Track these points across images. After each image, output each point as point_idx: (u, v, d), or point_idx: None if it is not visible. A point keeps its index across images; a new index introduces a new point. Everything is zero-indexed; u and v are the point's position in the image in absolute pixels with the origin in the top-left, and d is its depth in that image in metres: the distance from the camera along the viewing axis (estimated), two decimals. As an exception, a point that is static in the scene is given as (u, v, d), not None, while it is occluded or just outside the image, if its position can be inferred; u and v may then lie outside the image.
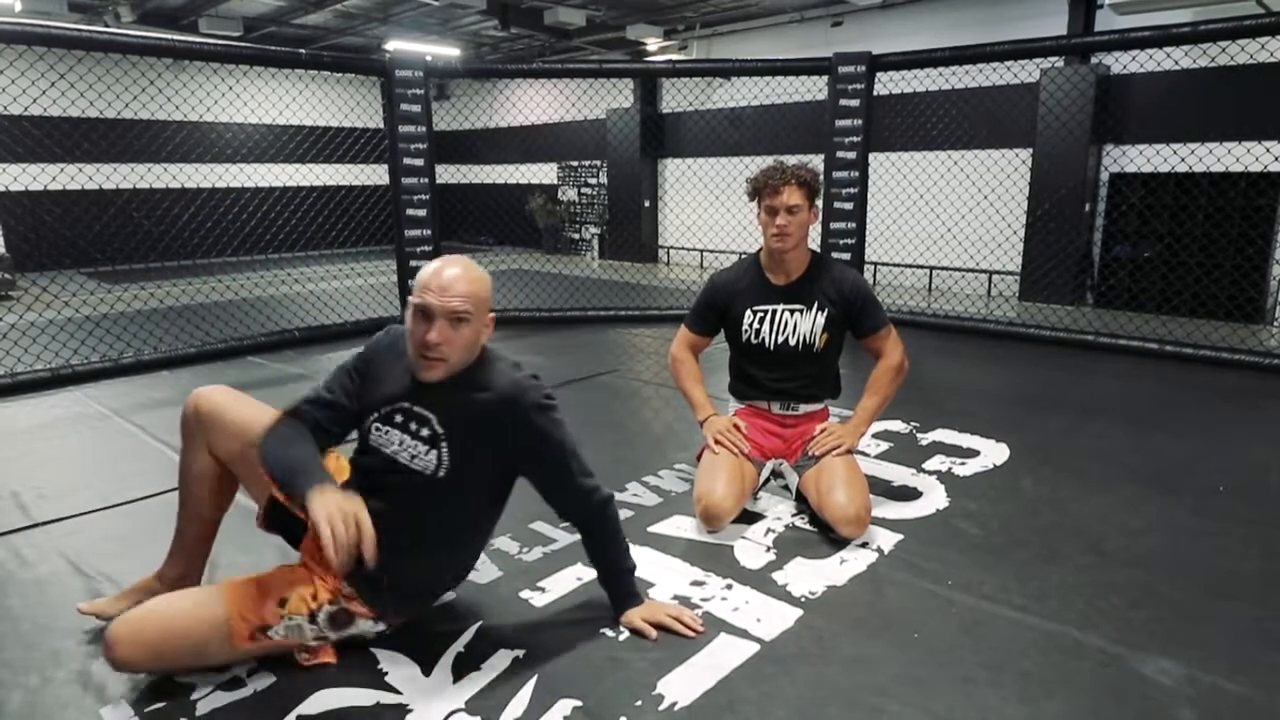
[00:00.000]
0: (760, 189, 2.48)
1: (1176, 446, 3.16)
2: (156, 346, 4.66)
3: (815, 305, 2.54)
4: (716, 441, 2.51)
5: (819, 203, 2.54)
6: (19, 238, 9.75)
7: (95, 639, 1.83)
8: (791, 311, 2.55)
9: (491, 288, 1.73)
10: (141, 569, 2.15)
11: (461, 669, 1.71)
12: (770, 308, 2.57)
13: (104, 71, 5.28)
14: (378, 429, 1.73)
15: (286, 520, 1.76)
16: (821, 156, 5.75)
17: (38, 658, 1.78)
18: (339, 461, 1.88)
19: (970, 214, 7.66)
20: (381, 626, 1.77)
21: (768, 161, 2.54)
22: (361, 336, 5.29)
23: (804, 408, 2.64)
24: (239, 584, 1.66)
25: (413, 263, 5.60)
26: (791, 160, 2.53)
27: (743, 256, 2.69)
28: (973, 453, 3.06)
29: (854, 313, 2.54)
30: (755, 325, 2.57)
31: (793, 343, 2.55)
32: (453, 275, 1.64)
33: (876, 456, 3.02)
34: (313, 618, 1.64)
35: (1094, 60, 7.60)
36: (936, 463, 2.95)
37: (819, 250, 2.65)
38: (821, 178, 2.44)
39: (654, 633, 1.83)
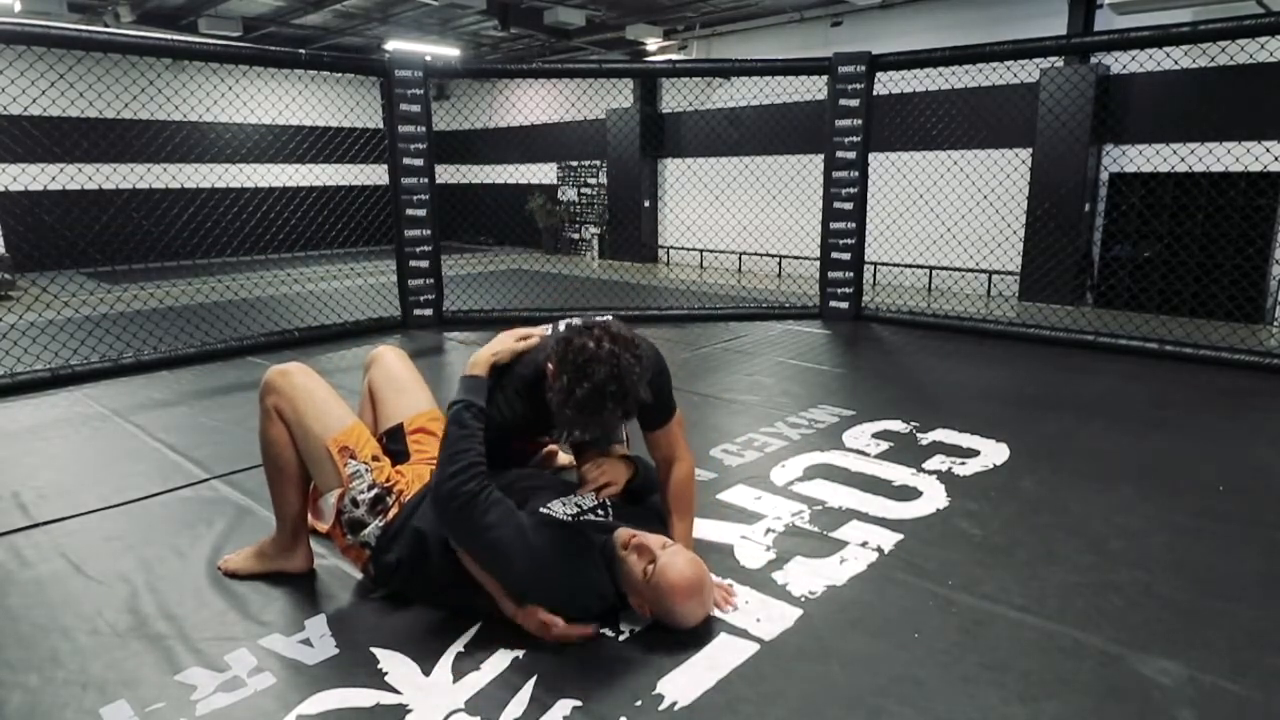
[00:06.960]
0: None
1: (1176, 446, 3.15)
2: (156, 347, 4.66)
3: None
4: None
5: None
6: (19, 238, 9.75)
7: (95, 638, 1.84)
8: None
9: None
10: (142, 569, 2.17)
11: (461, 669, 1.71)
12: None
13: (103, 71, 5.28)
14: None
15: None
16: (821, 156, 5.77)
17: (38, 658, 1.78)
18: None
19: (970, 214, 7.66)
20: (373, 529, 1.92)
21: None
22: (362, 336, 5.31)
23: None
24: (364, 426, 2.06)
25: (412, 263, 5.60)
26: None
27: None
28: (973, 453, 3.06)
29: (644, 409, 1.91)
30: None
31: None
32: None
33: (876, 456, 3.02)
34: (372, 485, 1.93)
35: (1094, 60, 7.61)
36: (936, 463, 2.95)
37: None
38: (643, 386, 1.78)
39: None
